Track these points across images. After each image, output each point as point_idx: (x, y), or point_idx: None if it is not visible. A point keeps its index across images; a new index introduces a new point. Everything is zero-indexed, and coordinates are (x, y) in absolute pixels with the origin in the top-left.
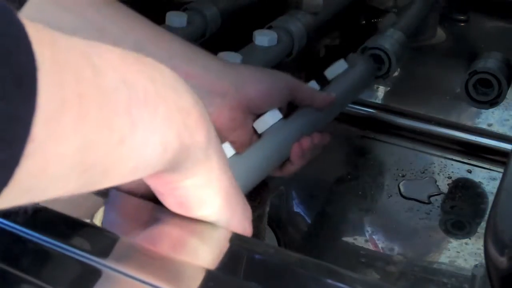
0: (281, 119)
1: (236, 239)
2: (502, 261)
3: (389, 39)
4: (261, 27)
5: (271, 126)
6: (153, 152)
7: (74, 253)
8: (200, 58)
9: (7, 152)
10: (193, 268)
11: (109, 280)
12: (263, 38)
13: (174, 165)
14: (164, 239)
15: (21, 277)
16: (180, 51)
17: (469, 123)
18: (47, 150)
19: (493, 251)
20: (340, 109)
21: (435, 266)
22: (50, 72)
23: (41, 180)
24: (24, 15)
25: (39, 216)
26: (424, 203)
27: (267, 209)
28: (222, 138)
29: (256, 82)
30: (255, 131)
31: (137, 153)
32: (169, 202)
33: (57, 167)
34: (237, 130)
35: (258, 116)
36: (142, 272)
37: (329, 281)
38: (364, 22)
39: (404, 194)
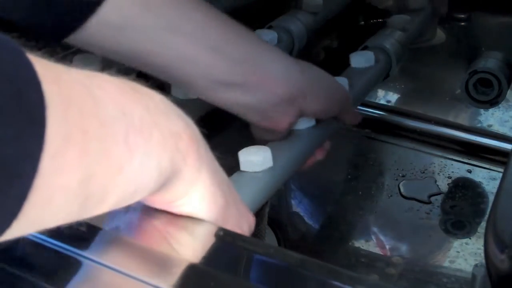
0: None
1: (235, 239)
2: (503, 260)
3: (390, 39)
4: (261, 27)
5: (302, 130)
6: (149, 177)
7: (74, 252)
8: (271, 62)
9: (19, 186)
10: (195, 268)
11: (110, 278)
12: (263, 37)
13: (167, 187)
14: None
15: (21, 277)
16: (253, 53)
17: (469, 123)
18: (53, 183)
19: (493, 251)
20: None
21: (435, 266)
22: (57, 109)
23: (46, 211)
24: (103, 13)
25: None
26: (424, 203)
27: (267, 209)
28: (268, 136)
29: (320, 96)
30: None
31: (134, 179)
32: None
33: (61, 198)
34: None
35: None
36: (141, 271)
37: (329, 281)
38: (363, 22)
39: (404, 194)
